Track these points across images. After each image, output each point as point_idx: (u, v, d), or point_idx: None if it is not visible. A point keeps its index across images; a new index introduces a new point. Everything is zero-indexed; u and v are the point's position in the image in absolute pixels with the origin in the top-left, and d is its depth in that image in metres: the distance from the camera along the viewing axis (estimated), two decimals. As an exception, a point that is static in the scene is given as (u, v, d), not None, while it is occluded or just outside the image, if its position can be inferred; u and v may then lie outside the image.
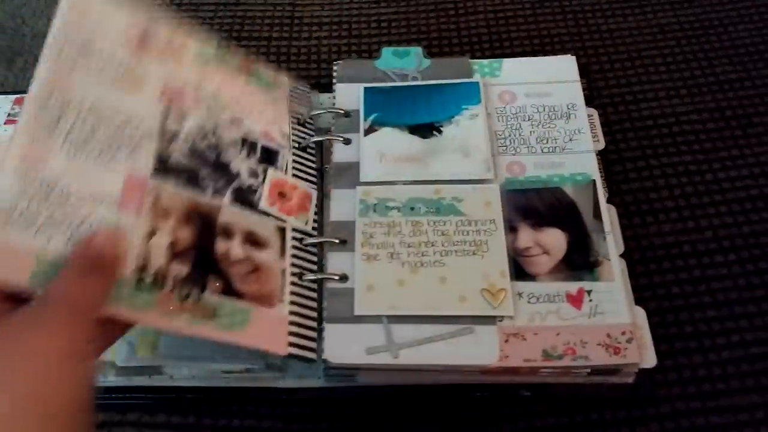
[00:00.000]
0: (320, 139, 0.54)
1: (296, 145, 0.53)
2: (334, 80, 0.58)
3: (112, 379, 0.47)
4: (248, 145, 0.50)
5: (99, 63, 0.46)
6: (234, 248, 0.45)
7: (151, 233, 0.42)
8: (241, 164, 0.49)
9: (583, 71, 0.58)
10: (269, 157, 0.51)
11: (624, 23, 0.66)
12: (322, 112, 0.56)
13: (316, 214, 0.51)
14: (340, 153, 0.54)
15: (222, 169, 0.47)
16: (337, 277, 0.47)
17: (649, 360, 0.45)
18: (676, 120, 0.60)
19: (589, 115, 0.55)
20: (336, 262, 0.48)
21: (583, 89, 0.56)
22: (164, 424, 0.48)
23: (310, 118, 0.56)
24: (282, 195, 0.50)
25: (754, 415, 0.46)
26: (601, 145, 0.55)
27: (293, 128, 0.54)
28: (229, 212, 0.46)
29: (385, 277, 0.47)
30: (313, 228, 0.50)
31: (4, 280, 0.36)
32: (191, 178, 0.46)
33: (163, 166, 0.45)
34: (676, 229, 0.54)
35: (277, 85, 0.55)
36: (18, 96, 0.62)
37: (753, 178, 0.56)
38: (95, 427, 0.47)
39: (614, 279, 0.47)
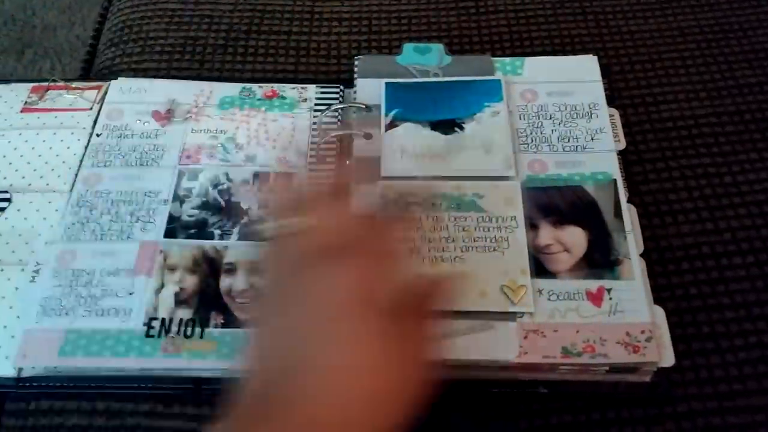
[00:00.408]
0: (341, 133, 0.55)
1: (313, 161, 0.54)
2: (356, 75, 0.58)
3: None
4: (260, 178, 0.53)
5: (128, 145, 0.54)
6: (237, 282, 0.48)
7: (160, 288, 0.47)
8: (252, 198, 0.52)
9: (604, 72, 0.58)
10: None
11: (645, 25, 0.66)
12: (343, 106, 0.56)
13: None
14: (361, 147, 0.54)
15: (232, 211, 0.51)
16: (357, 270, 0.48)
17: (668, 359, 0.45)
18: (695, 122, 0.60)
19: (610, 116, 0.55)
20: (356, 255, 0.48)
21: (604, 90, 0.57)
22: (178, 414, 0.47)
23: (336, 111, 0.56)
24: None
25: (770, 416, 0.46)
26: (622, 145, 0.55)
27: (312, 143, 0.55)
28: (234, 250, 0.49)
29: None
30: None
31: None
32: (200, 229, 0.50)
33: (174, 227, 0.50)
34: (694, 231, 0.54)
35: (303, 99, 0.57)
36: (35, 84, 0.61)
37: (771, 181, 0.56)
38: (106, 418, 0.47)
39: (634, 278, 0.47)
